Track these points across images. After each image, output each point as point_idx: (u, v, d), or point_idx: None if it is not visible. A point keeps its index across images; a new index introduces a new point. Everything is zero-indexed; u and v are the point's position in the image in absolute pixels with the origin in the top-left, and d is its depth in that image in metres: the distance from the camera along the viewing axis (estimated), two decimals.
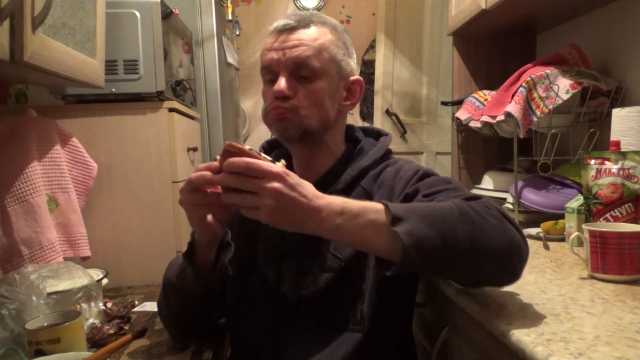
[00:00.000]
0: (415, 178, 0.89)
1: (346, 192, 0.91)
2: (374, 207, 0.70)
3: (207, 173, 0.72)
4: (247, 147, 0.69)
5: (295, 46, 0.88)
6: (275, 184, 0.65)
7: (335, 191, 0.89)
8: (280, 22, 0.91)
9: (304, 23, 0.90)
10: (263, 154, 0.70)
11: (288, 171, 0.67)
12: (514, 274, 0.74)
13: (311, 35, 0.90)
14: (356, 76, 0.97)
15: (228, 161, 0.66)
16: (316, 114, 0.90)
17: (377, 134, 1.04)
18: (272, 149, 1.07)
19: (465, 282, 0.80)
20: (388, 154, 0.99)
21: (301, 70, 0.89)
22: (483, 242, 0.69)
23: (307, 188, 0.69)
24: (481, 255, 0.69)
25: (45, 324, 0.82)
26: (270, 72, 0.91)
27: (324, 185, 0.89)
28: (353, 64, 0.97)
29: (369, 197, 0.90)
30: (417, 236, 0.66)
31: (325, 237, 0.70)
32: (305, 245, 0.90)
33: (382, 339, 0.88)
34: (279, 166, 0.68)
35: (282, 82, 0.88)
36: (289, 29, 0.90)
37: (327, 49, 0.91)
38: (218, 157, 0.70)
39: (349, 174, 0.93)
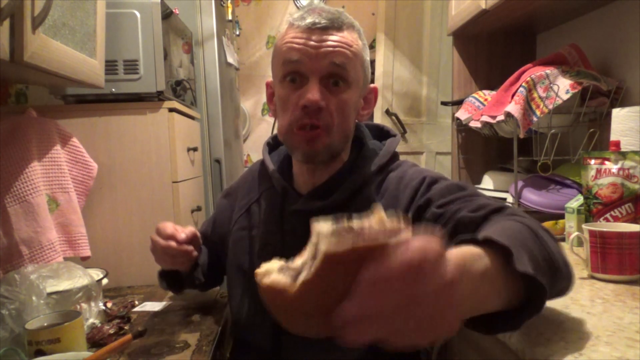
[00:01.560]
0: (424, 187, 0.81)
1: (349, 200, 0.86)
2: (467, 248, 0.51)
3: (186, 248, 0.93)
4: (327, 228, 0.40)
5: (333, 48, 0.80)
6: (444, 269, 0.41)
7: (339, 200, 0.86)
8: (307, 18, 0.82)
9: (337, 24, 0.82)
10: (356, 222, 0.41)
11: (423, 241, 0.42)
12: (573, 279, 0.65)
13: (347, 40, 0.82)
14: (373, 84, 0.93)
15: (377, 276, 0.38)
16: (342, 130, 0.84)
17: (384, 134, 0.98)
18: (277, 144, 1.03)
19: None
20: (394, 158, 0.92)
21: (335, 77, 0.81)
22: (562, 257, 0.62)
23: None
24: (563, 269, 0.62)
25: (45, 324, 0.82)
26: (295, 73, 0.82)
27: (327, 193, 0.87)
28: (369, 72, 0.91)
29: (371, 204, 0.87)
30: (539, 267, 0.55)
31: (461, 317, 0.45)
32: None
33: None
34: (402, 229, 0.41)
35: (315, 90, 0.80)
36: (320, 28, 0.81)
37: (360, 56, 0.85)
38: (313, 270, 0.40)
39: (353, 183, 0.86)
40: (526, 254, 0.55)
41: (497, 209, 0.72)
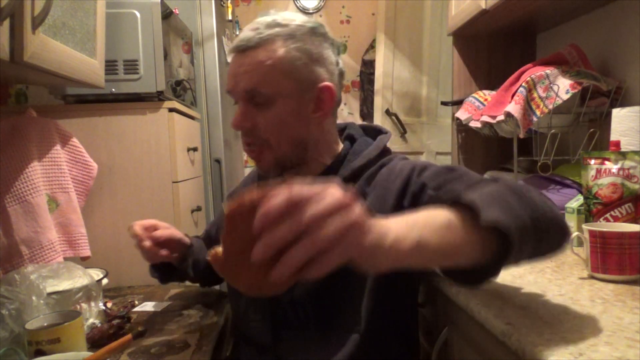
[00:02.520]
0: (415, 174, 0.84)
1: None
2: (433, 209, 0.59)
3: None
4: (252, 192, 0.47)
5: (243, 74, 0.85)
6: (338, 193, 0.47)
7: None
8: (236, 39, 0.87)
9: (252, 42, 0.84)
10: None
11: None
12: (567, 233, 0.69)
13: (257, 58, 0.84)
14: (324, 82, 0.87)
15: (264, 211, 0.44)
16: (285, 139, 0.87)
17: (376, 132, 0.99)
18: None
19: (537, 257, 0.68)
20: (385, 152, 0.93)
21: (255, 98, 0.85)
22: (539, 209, 0.64)
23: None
24: (543, 221, 0.64)
25: (45, 324, 0.82)
26: (234, 98, 0.89)
27: None
28: (321, 70, 0.87)
29: (363, 198, 0.86)
30: (512, 217, 0.57)
31: (407, 263, 0.53)
32: None
33: (382, 341, 0.87)
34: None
35: (236, 114, 0.86)
36: (240, 51, 0.85)
37: (278, 68, 0.84)
38: (224, 229, 0.49)
39: (341, 175, 0.88)
40: (497, 207, 0.58)
41: (492, 180, 0.74)
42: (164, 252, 0.99)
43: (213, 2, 2.09)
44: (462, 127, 1.82)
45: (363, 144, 0.94)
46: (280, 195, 0.45)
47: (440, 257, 0.57)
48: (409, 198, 0.82)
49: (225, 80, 2.35)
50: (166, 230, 1.01)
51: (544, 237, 0.65)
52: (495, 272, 0.62)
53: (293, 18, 0.87)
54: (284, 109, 0.85)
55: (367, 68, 3.31)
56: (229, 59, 0.89)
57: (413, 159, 0.97)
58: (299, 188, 0.46)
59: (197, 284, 1.21)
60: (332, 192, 0.47)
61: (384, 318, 0.87)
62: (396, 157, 0.92)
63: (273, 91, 0.84)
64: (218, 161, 2.07)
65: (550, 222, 0.66)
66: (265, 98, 0.84)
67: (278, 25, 0.85)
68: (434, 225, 0.56)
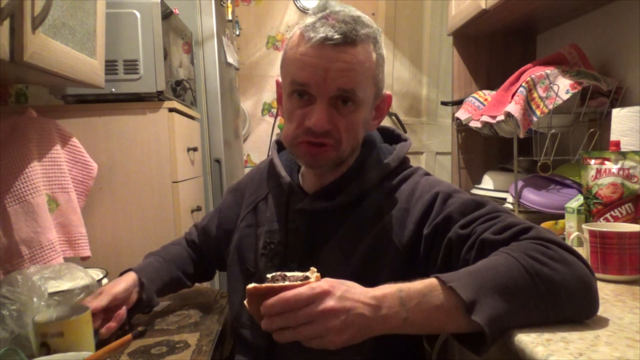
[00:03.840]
0: (438, 203, 0.79)
1: (354, 204, 0.85)
2: (433, 287, 0.63)
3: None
4: (268, 276, 0.65)
5: (343, 71, 0.76)
6: (328, 303, 0.60)
7: (343, 202, 0.85)
8: (319, 30, 0.76)
9: (350, 38, 0.76)
10: (289, 274, 0.65)
11: (329, 281, 0.63)
12: (594, 306, 0.66)
13: (358, 57, 0.77)
14: (387, 91, 0.88)
15: (264, 306, 0.61)
16: (351, 144, 0.83)
17: (395, 137, 0.96)
18: (283, 146, 1.01)
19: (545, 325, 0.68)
20: (404, 163, 0.90)
21: (344, 99, 0.78)
22: (560, 295, 0.63)
23: (356, 289, 0.63)
24: (560, 305, 0.64)
25: (54, 317, 0.81)
26: (303, 91, 0.79)
27: (333, 194, 0.86)
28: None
29: (379, 213, 0.83)
30: (498, 318, 0.60)
31: (395, 332, 0.63)
32: (308, 253, 0.87)
33: (384, 353, 0.83)
34: (314, 278, 0.64)
35: (322, 114, 0.77)
36: (333, 45, 0.75)
37: (371, 72, 0.80)
38: (246, 302, 0.66)
39: (359, 186, 0.85)
40: (499, 300, 0.61)
41: (523, 230, 0.70)
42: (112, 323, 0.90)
43: (213, 2, 2.09)
44: (462, 127, 1.82)
45: (382, 152, 0.91)
46: (279, 297, 0.61)
47: (426, 331, 0.67)
48: (430, 227, 0.78)
49: (225, 80, 2.34)
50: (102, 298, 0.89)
51: (561, 312, 0.64)
52: (486, 344, 0.61)
53: (369, 18, 0.83)
54: (362, 115, 0.82)
55: None
56: (303, 47, 0.78)
57: (413, 159, 0.96)
58: (294, 294, 0.60)
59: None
60: (321, 301, 0.60)
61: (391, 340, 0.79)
62: (417, 172, 0.88)
63: (363, 96, 0.80)
64: (218, 161, 2.07)
65: (569, 299, 0.64)
66: (355, 101, 0.79)
67: (366, 25, 0.80)
68: (426, 305, 0.62)
